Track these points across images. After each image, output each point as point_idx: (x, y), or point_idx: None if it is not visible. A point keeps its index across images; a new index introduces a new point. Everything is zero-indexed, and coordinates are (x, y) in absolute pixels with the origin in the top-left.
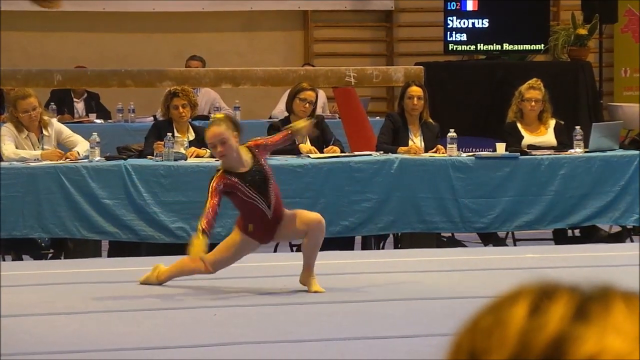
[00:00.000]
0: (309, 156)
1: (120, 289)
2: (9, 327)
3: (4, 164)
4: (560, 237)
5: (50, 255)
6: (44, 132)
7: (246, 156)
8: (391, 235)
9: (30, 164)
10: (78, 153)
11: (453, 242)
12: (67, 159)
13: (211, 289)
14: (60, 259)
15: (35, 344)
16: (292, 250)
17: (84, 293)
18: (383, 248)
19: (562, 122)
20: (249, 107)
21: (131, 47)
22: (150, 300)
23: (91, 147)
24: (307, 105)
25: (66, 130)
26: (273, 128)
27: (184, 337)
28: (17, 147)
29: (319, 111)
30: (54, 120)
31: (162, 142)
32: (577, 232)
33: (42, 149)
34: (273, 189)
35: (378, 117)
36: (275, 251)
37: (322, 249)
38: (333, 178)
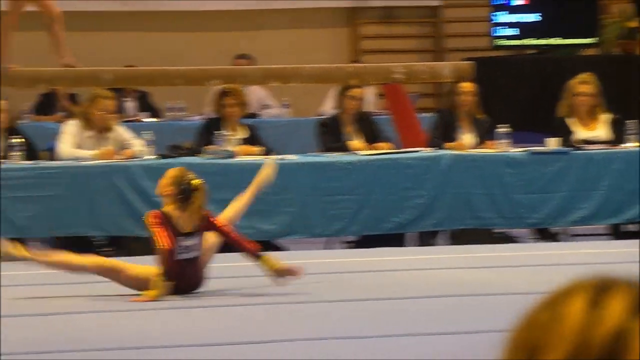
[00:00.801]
0: (358, 153)
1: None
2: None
3: (58, 162)
4: (617, 232)
5: (110, 253)
6: (108, 133)
7: (195, 218)
8: (443, 232)
9: (85, 163)
10: (134, 152)
11: (505, 238)
12: (121, 158)
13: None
14: (122, 256)
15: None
16: (350, 247)
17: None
18: (434, 245)
19: (617, 116)
20: (298, 105)
21: (179, 45)
22: (212, 298)
23: (143, 146)
24: (355, 102)
25: (127, 133)
26: (322, 125)
27: (260, 333)
28: (78, 145)
29: (368, 108)
30: (118, 124)
31: (212, 142)
32: (633, 227)
33: None
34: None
35: (427, 114)
36: (326, 249)
37: (372, 246)
38: (383, 175)
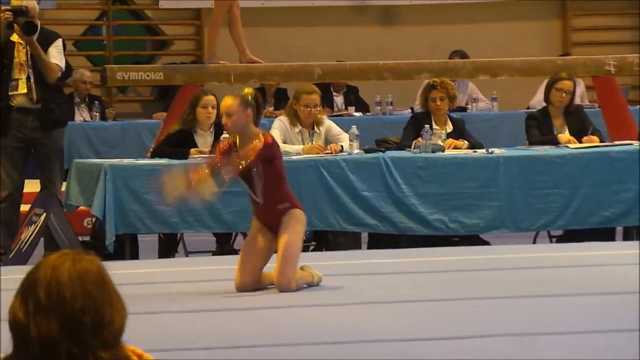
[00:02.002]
0: (567, 146)
1: (381, 279)
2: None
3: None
4: None
5: (312, 247)
6: (316, 129)
7: (256, 142)
8: None
9: (292, 157)
10: (342, 147)
11: None
12: (328, 153)
13: (461, 281)
14: (322, 250)
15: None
16: (551, 241)
17: (350, 282)
18: None
19: None
20: (506, 98)
21: (388, 39)
22: (409, 292)
23: (350, 140)
24: (565, 95)
25: (335, 128)
26: (531, 118)
27: (446, 329)
28: (286, 141)
29: (577, 101)
30: (326, 118)
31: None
32: None
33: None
34: (262, 189)
35: (639, 106)
36: (534, 242)
37: (579, 240)
38: (593, 168)
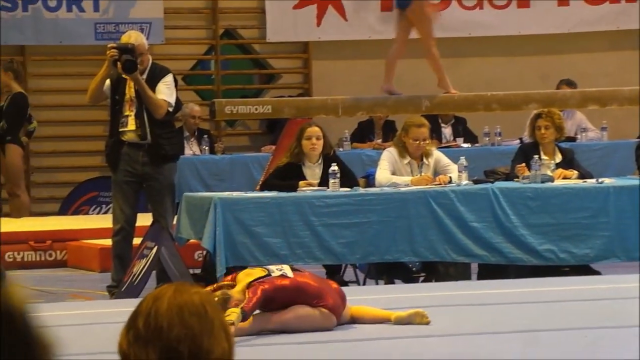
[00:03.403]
0: None
1: (493, 310)
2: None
3: (376, 189)
4: None
5: (422, 278)
6: (425, 160)
7: None
8: None
9: (401, 189)
10: (450, 178)
11: None
12: (437, 184)
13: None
14: (432, 282)
15: None
16: None
17: (460, 313)
18: None
19: None
20: (616, 127)
21: (496, 70)
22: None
23: (459, 171)
24: None
25: (444, 159)
26: None
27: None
28: (395, 172)
29: None
30: (435, 150)
31: (525, 165)
32: None
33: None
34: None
35: None
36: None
37: None
38: None
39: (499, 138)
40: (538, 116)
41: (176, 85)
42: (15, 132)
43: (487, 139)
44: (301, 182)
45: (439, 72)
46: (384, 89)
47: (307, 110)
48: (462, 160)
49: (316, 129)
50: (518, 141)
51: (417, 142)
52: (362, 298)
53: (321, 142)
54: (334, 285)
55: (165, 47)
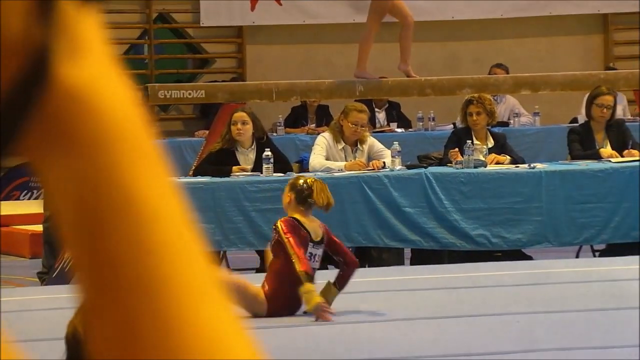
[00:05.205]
0: (610, 161)
1: (424, 295)
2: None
3: (309, 174)
4: None
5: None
6: (359, 146)
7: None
8: None
9: (335, 174)
10: (384, 163)
11: None
12: (370, 169)
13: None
14: (365, 267)
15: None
16: (594, 255)
17: (393, 298)
18: None
19: None
20: (549, 112)
21: (429, 55)
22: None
23: (392, 156)
24: (606, 110)
25: (377, 145)
26: (572, 133)
27: (489, 344)
28: (329, 158)
29: (619, 114)
30: (369, 136)
31: (458, 150)
32: None
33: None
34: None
35: None
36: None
37: (623, 254)
38: (635, 182)
39: (432, 123)
40: (469, 102)
41: None
42: None
43: (421, 123)
44: (234, 167)
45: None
46: (357, 74)
47: (240, 95)
48: (396, 145)
49: (242, 114)
50: (451, 126)
51: (356, 126)
52: None
53: (248, 127)
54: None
55: None
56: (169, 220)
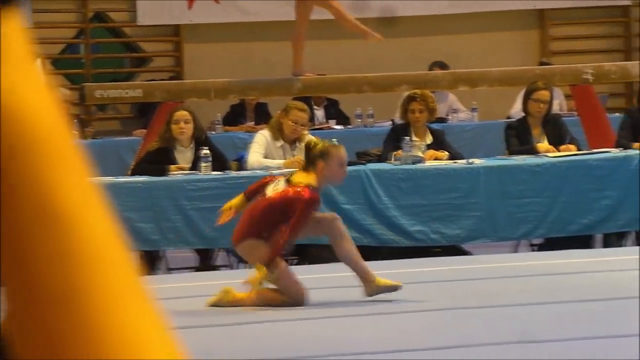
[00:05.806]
0: (546, 155)
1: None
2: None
3: (247, 172)
4: None
5: (295, 261)
6: (298, 144)
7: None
8: (633, 233)
9: (273, 172)
10: None
11: None
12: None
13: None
14: (305, 264)
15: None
16: (532, 250)
17: (332, 295)
18: (624, 246)
19: None
20: (487, 108)
21: (368, 52)
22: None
23: None
24: (542, 105)
25: None
26: (509, 128)
27: (428, 339)
28: (267, 155)
29: (555, 109)
30: (307, 134)
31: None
32: None
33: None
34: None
35: (617, 114)
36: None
37: (558, 248)
38: (571, 176)
39: (371, 120)
40: (411, 99)
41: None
42: None
43: (360, 120)
44: (172, 166)
45: (353, 27)
46: (294, 73)
47: (178, 94)
48: (334, 142)
49: (184, 112)
50: (390, 122)
51: (296, 125)
52: (234, 282)
53: (190, 125)
54: None
55: (33, 31)
56: (89, 226)
